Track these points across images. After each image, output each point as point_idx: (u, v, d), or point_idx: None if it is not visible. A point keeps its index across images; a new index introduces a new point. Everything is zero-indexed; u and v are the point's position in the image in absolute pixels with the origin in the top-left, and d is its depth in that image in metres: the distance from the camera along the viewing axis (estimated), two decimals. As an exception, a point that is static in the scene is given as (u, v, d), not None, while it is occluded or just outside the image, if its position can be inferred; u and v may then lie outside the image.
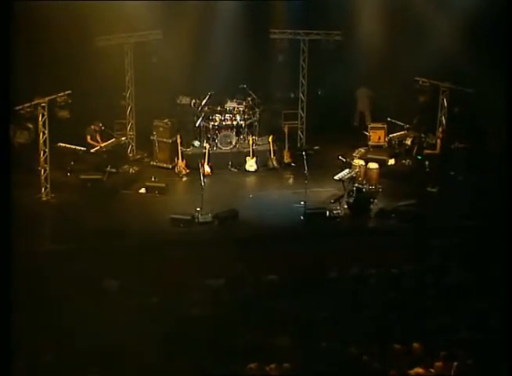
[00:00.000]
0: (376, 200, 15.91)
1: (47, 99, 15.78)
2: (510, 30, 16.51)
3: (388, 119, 18.70)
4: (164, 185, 16.70)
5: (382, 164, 17.32)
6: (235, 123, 18.44)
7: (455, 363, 9.45)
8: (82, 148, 17.16)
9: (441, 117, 18.04)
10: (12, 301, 8.63)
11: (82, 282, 11.80)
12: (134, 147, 18.36)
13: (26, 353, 9.64)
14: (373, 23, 18.69)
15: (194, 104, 18.70)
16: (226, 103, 18.70)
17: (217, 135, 18.33)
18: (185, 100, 19.26)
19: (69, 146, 17.08)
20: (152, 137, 17.84)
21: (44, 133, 15.89)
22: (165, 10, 17.72)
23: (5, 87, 9.28)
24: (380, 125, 18.80)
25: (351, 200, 15.81)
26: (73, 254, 13.48)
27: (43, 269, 12.45)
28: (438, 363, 9.49)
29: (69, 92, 16.44)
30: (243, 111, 18.63)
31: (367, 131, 18.89)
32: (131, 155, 18.28)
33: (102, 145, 17.34)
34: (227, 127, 18.42)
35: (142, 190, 16.63)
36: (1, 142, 8.87)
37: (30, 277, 11.45)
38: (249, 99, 18.82)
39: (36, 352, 9.77)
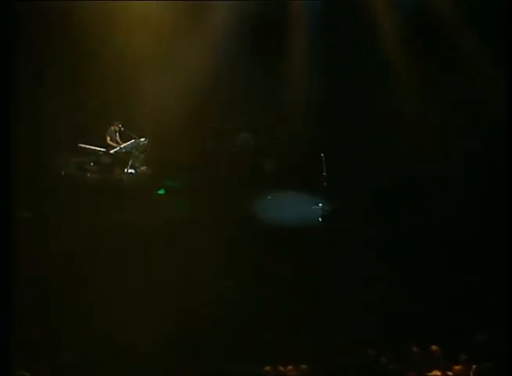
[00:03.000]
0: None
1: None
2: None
3: None
4: (182, 186, 16.74)
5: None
6: (252, 125, 18.46)
7: (474, 366, 9.40)
8: (102, 149, 17.26)
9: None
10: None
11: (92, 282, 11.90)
12: (153, 148, 18.43)
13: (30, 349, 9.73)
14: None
15: None
16: (243, 104, 18.71)
17: (235, 137, 18.36)
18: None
19: (89, 146, 17.20)
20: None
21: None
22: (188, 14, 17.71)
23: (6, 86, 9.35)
24: None
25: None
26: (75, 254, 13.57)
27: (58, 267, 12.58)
28: (457, 367, 9.44)
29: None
30: (260, 113, 18.63)
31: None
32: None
33: (122, 146, 17.41)
34: (245, 129, 18.45)
35: (162, 191, 16.70)
36: (1, 142, 8.94)
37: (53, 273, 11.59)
38: (265, 100, 18.81)
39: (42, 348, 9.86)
